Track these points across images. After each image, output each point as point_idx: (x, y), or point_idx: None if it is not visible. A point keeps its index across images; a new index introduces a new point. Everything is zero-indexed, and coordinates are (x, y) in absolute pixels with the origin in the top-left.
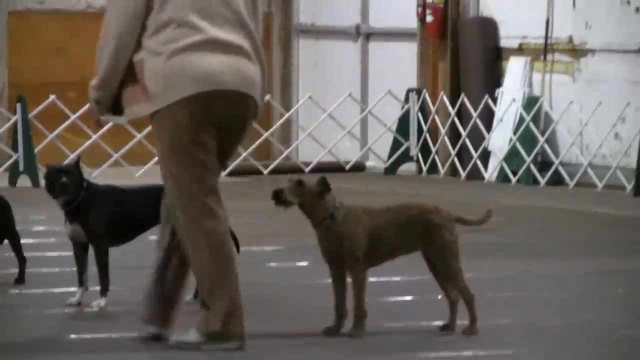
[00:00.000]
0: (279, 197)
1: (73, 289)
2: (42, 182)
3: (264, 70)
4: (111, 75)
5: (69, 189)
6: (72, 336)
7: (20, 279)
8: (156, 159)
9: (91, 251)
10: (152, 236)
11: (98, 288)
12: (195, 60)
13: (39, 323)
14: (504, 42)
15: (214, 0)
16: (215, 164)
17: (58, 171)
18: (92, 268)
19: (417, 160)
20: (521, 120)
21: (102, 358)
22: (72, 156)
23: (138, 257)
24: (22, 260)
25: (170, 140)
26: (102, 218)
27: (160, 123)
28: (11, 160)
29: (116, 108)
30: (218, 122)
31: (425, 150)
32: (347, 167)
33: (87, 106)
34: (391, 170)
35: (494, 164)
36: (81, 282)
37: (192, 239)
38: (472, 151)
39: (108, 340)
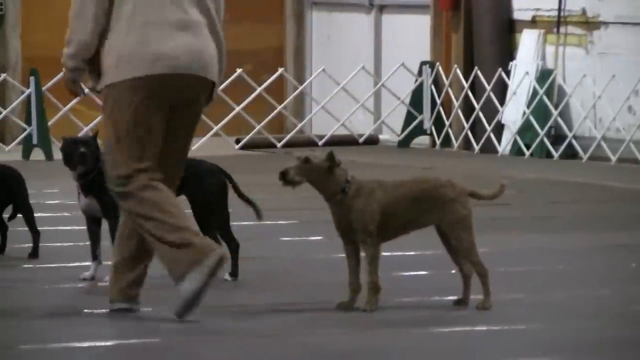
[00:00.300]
0: (285, 178)
1: (87, 263)
2: (56, 155)
3: (221, 48)
4: (91, 41)
5: (87, 159)
6: (86, 310)
7: (34, 254)
8: None
9: (104, 225)
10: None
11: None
12: (152, 40)
13: (53, 298)
14: (517, 15)
15: None
16: (156, 146)
17: (75, 142)
18: (105, 242)
19: (431, 134)
20: (534, 93)
21: (116, 333)
22: (85, 129)
23: None
24: (35, 235)
25: (116, 115)
26: None
27: (108, 97)
28: (25, 134)
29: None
30: (170, 104)
31: (438, 123)
32: (361, 140)
33: None
34: (405, 143)
35: (508, 137)
36: (95, 257)
37: (135, 209)
38: (486, 124)
39: (121, 314)
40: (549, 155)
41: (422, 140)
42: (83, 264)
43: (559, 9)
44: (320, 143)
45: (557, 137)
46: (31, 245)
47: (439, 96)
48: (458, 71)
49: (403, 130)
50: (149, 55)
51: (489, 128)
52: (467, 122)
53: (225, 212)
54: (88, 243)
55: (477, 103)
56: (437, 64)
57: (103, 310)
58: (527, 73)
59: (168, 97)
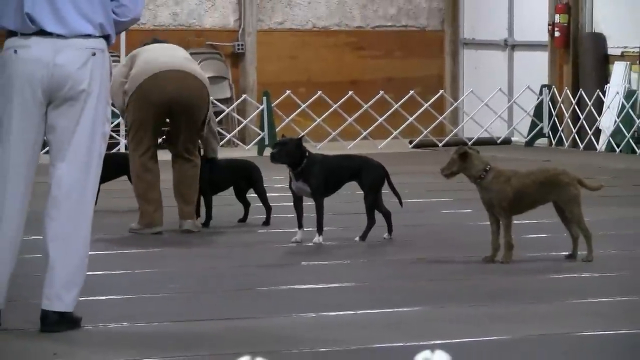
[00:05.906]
0: (445, 173)
1: (304, 229)
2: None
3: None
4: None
5: (279, 157)
6: (303, 263)
7: (266, 222)
8: (363, 135)
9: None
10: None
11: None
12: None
13: (279, 253)
14: (611, 51)
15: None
16: (148, 138)
17: (278, 143)
18: (311, 215)
19: (549, 136)
20: (623, 107)
21: (329, 278)
22: (302, 134)
23: (344, 205)
24: (268, 209)
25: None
26: (321, 176)
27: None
28: (259, 137)
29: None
30: (162, 103)
31: (554, 129)
32: (498, 141)
33: (313, 98)
34: (530, 143)
35: (604, 139)
36: (300, 225)
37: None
38: (588, 129)
39: (329, 265)
40: (633, 151)
41: (542, 142)
42: (295, 229)
43: None
44: (469, 143)
45: (639, 139)
46: (264, 216)
47: (554, 109)
48: (568, 92)
49: (528, 134)
50: (147, 70)
51: (590, 132)
52: (574, 128)
53: (380, 193)
54: (304, 215)
55: (582, 114)
56: (553, 86)
57: (314, 263)
58: (617, 93)
59: (155, 96)
